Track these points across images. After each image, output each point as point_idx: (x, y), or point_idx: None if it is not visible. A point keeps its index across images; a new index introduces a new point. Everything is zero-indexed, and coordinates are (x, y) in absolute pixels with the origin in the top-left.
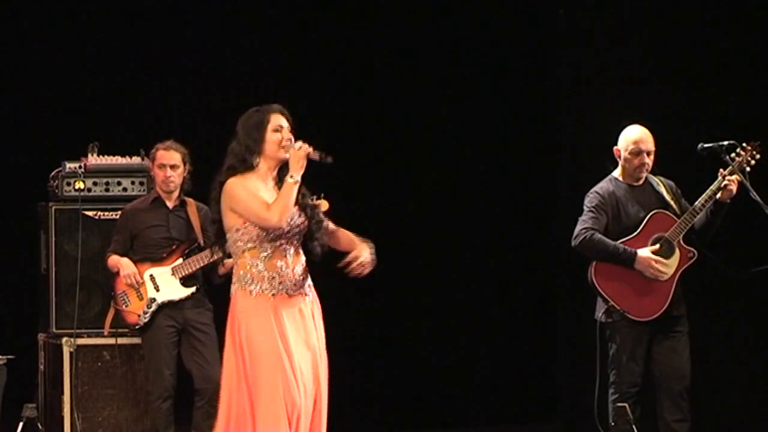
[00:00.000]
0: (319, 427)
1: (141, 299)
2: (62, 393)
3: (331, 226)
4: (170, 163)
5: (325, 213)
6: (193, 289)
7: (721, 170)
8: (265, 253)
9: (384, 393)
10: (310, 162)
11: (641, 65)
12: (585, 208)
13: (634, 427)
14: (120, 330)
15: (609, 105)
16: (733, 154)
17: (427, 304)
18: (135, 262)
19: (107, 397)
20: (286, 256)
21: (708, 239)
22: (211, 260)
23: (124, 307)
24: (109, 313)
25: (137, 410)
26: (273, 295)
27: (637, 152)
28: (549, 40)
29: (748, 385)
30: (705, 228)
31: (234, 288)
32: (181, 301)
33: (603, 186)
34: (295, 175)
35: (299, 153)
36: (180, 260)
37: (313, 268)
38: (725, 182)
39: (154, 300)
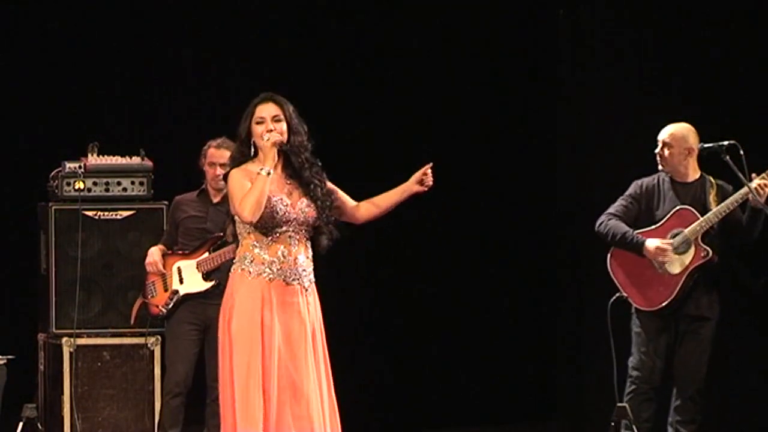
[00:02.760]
0: (321, 423)
1: (166, 291)
2: (62, 393)
3: (351, 202)
4: (220, 161)
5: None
6: (212, 283)
7: (754, 174)
8: (269, 238)
9: (384, 393)
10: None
11: (641, 64)
12: (623, 194)
13: (634, 427)
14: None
15: (609, 104)
16: None
17: (426, 304)
18: (171, 254)
19: (107, 397)
20: (290, 243)
21: (748, 244)
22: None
23: (149, 297)
24: (137, 302)
25: (137, 410)
26: (270, 280)
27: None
28: (549, 40)
29: (753, 386)
30: (744, 233)
31: (234, 267)
32: (201, 294)
33: (647, 178)
34: (265, 167)
35: (267, 144)
36: (206, 254)
37: (320, 267)
38: (754, 185)
39: (176, 292)
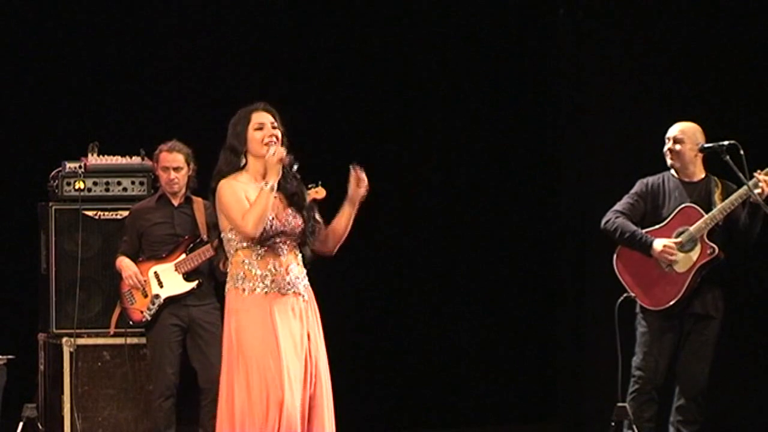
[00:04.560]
0: (322, 427)
1: (146, 297)
2: (62, 393)
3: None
4: (173, 165)
5: (322, 200)
6: (194, 284)
7: (758, 171)
8: (259, 252)
9: (384, 393)
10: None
11: (642, 65)
12: (629, 193)
13: (635, 427)
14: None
15: (609, 105)
16: None
17: (426, 304)
18: (142, 260)
19: (107, 397)
20: (280, 255)
21: (749, 242)
22: (214, 254)
23: (129, 305)
24: (115, 312)
25: (137, 410)
26: (265, 293)
27: (666, 140)
28: (549, 40)
29: (754, 386)
30: (744, 231)
31: (228, 287)
32: (184, 296)
33: (653, 177)
34: (270, 182)
35: (273, 159)
36: (183, 256)
37: (313, 268)
38: (758, 183)
39: (157, 296)
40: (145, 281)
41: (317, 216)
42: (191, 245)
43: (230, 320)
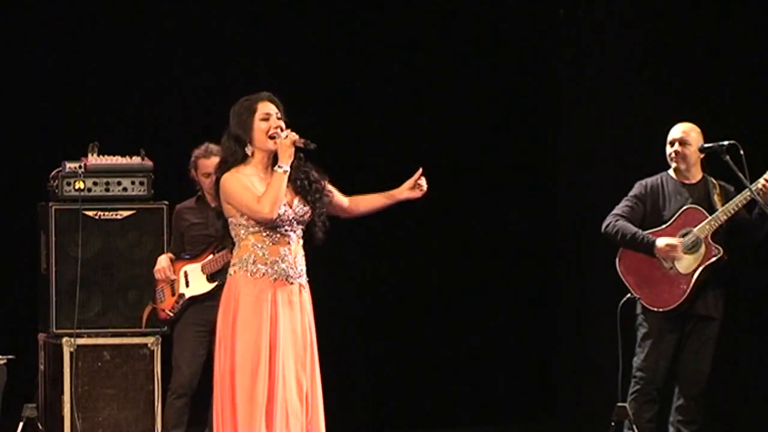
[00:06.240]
0: (316, 419)
1: (174, 295)
2: (62, 393)
3: (339, 197)
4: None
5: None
6: (215, 284)
7: (766, 176)
8: (273, 238)
9: (383, 393)
10: (304, 152)
11: (642, 65)
12: (627, 196)
13: (635, 427)
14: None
15: (609, 104)
16: None
17: (425, 303)
18: (179, 259)
19: (107, 397)
20: (289, 242)
21: (753, 244)
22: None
23: (158, 303)
24: (146, 309)
25: (137, 410)
26: (274, 279)
27: (669, 143)
28: (549, 40)
29: (754, 386)
30: (750, 233)
31: (234, 269)
32: (206, 296)
33: (651, 178)
34: (283, 165)
35: (285, 142)
36: (210, 256)
37: (313, 265)
38: (761, 187)
39: (182, 296)
40: (174, 280)
41: (327, 187)
42: (219, 246)
43: (235, 305)
